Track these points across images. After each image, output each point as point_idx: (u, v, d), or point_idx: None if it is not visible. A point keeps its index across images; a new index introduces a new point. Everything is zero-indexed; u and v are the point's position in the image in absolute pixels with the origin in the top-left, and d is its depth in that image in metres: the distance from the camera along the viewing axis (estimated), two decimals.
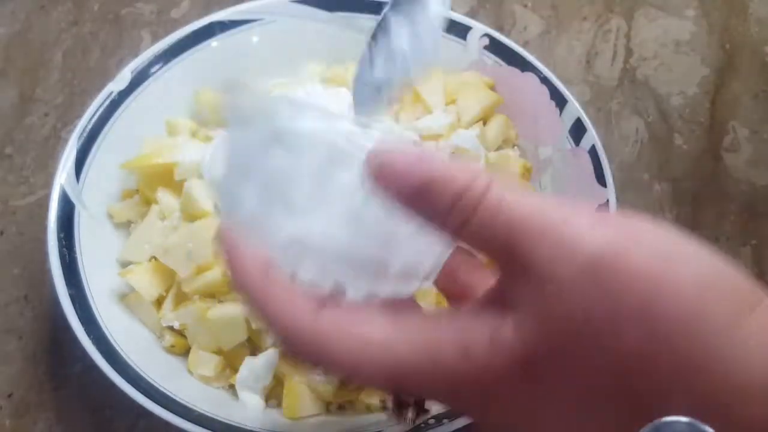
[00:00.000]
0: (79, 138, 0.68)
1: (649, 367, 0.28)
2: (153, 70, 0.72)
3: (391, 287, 0.37)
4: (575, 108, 0.71)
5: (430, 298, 0.62)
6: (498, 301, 0.31)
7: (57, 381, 0.66)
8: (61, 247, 0.63)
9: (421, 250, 0.37)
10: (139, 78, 0.71)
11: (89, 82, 0.82)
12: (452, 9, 0.82)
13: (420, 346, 0.31)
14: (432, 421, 0.57)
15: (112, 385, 0.58)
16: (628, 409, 0.29)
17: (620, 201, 0.68)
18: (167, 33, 0.75)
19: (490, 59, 0.75)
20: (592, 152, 0.69)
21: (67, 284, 0.62)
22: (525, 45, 0.84)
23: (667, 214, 0.75)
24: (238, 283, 0.34)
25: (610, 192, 0.67)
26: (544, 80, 0.72)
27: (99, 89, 0.71)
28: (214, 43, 0.74)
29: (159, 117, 0.72)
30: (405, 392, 0.41)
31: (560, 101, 0.71)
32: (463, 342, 0.30)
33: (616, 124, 0.81)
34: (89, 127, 0.69)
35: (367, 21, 0.76)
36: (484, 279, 0.38)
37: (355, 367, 0.32)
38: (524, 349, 0.29)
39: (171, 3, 0.88)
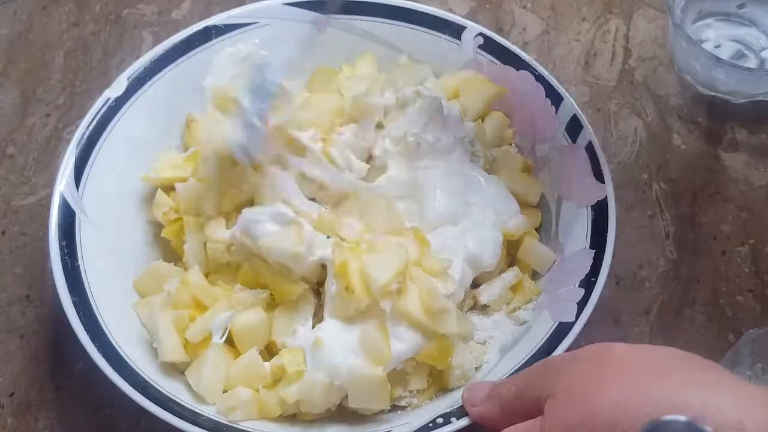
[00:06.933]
0: (78, 145, 0.67)
1: None
2: (149, 75, 0.72)
3: None
4: (571, 105, 0.71)
5: None
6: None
7: (58, 380, 0.67)
8: (63, 255, 0.63)
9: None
10: (136, 84, 0.71)
11: (90, 82, 0.83)
12: (451, 10, 0.82)
13: None
14: (440, 420, 0.58)
15: (114, 384, 0.58)
16: None
17: (619, 201, 0.68)
18: (168, 34, 0.75)
19: (485, 58, 0.75)
20: (589, 149, 0.69)
21: (70, 292, 0.61)
22: (524, 46, 0.84)
23: (666, 213, 0.75)
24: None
25: (608, 187, 0.67)
26: (539, 78, 0.72)
27: (100, 90, 0.71)
28: (209, 47, 0.74)
29: (156, 122, 0.72)
30: None
31: (556, 99, 0.72)
32: None
33: (614, 124, 0.81)
34: (87, 134, 0.68)
35: (359, 23, 0.76)
36: None
37: None
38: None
39: (172, 4, 0.89)
